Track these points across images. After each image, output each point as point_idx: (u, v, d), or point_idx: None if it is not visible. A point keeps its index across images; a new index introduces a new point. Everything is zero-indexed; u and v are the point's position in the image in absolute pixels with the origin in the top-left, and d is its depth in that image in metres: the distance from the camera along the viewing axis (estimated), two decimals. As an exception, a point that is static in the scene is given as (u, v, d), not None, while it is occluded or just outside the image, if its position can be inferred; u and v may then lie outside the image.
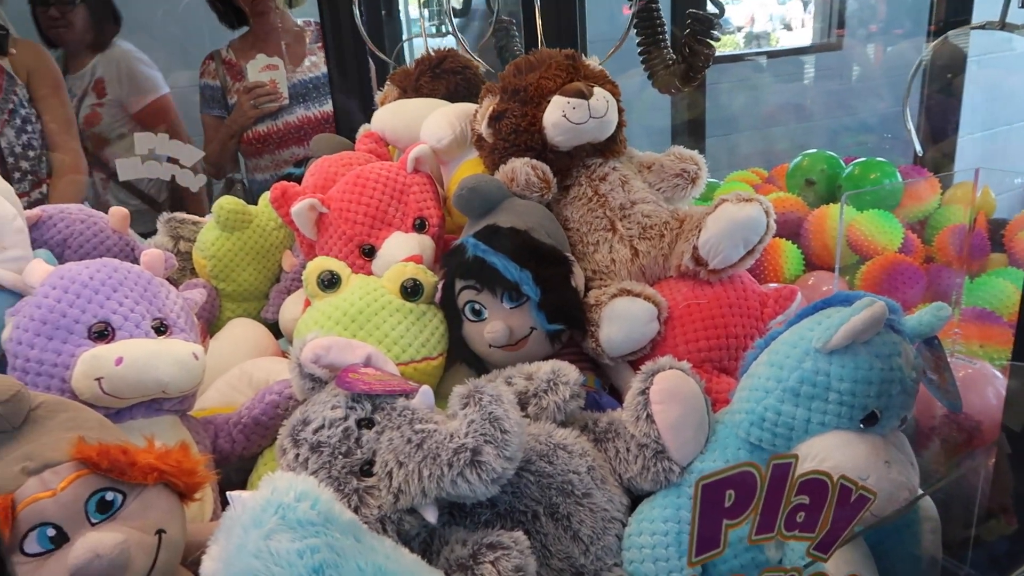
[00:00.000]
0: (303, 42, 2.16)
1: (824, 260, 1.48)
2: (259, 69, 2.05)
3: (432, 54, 1.30)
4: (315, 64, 2.14)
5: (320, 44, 2.16)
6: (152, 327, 0.79)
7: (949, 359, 1.14)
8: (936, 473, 0.96)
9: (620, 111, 0.99)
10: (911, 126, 1.05)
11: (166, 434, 0.79)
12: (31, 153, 1.94)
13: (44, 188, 1.98)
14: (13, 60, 1.90)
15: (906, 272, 1.33)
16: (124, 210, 1.08)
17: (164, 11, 2.59)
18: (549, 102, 0.96)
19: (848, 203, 1.40)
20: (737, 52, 4.13)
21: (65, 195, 1.97)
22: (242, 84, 2.07)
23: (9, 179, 1.90)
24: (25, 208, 1.92)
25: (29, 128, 1.93)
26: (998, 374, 1.10)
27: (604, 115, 0.95)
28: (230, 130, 2.09)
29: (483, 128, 1.00)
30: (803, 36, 4.99)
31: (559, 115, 0.94)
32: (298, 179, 1.25)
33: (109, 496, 0.59)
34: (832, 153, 1.69)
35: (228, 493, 0.58)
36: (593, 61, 1.03)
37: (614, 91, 0.99)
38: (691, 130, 1.83)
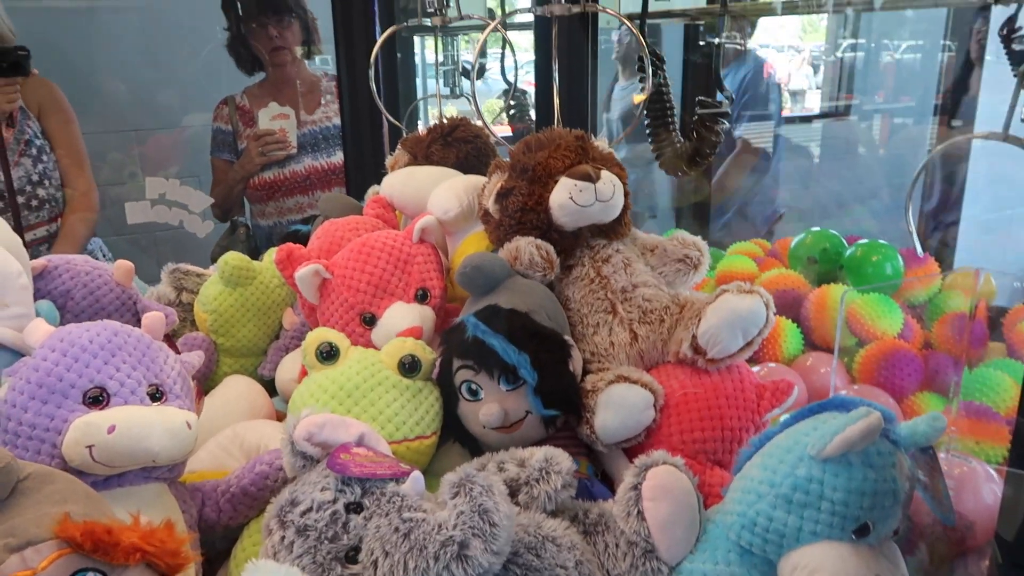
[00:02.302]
0: (317, 93, 2.20)
1: (824, 340, 1.48)
2: (271, 117, 2.09)
3: (445, 121, 1.32)
4: (326, 115, 2.18)
5: (334, 96, 2.20)
6: (148, 393, 0.79)
7: (945, 456, 1.14)
8: (929, 578, 0.95)
9: (626, 194, 1.00)
10: (912, 228, 1.06)
11: (153, 502, 0.78)
12: (47, 183, 1.96)
13: (59, 222, 2.00)
14: (25, 95, 1.93)
15: (904, 359, 1.33)
16: (128, 264, 1.09)
17: (188, 52, 2.65)
18: (556, 182, 0.97)
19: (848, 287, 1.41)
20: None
21: (74, 232, 1.99)
22: (252, 131, 2.10)
23: (27, 208, 1.93)
24: (42, 238, 1.95)
25: (44, 158, 1.96)
26: (994, 474, 1.09)
27: (610, 199, 0.96)
28: (237, 175, 2.12)
29: (490, 204, 1.01)
30: (811, 101, 5.06)
31: (565, 197, 0.95)
32: (304, 236, 1.26)
33: (90, 576, 0.58)
34: (835, 232, 1.71)
35: (210, 582, 0.57)
36: (602, 143, 1.04)
37: (621, 174, 1.00)
38: (696, 212, 1.85)
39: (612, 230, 1.01)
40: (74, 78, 2.20)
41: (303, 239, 1.21)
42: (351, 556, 0.68)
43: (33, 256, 1.03)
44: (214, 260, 2.05)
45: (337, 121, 2.19)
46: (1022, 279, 1.23)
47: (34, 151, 1.94)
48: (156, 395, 0.79)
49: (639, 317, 0.97)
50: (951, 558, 0.98)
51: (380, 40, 1.67)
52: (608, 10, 1.26)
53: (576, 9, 1.17)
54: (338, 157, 2.19)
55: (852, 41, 4.72)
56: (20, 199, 1.92)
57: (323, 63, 2.32)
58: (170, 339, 1.21)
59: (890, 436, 0.73)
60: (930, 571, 0.95)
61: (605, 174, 0.97)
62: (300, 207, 2.18)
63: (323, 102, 2.19)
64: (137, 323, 0.87)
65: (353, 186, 2.08)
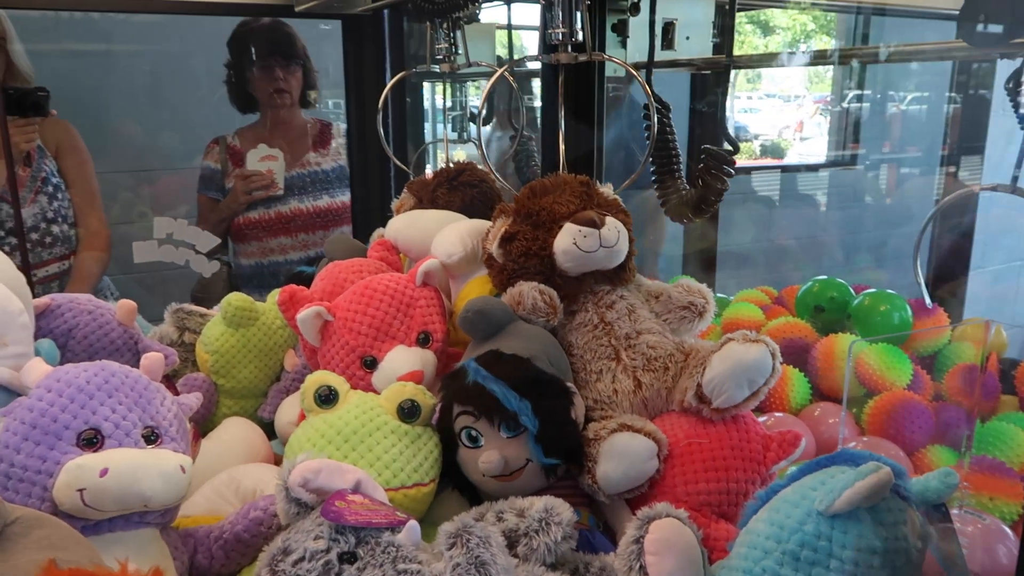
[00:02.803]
0: (306, 138, 2.24)
1: (832, 390, 1.46)
2: (258, 159, 2.12)
3: (451, 165, 1.32)
4: (314, 160, 2.21)
5: (324, 141, 2.24)
6: (142, 435, 0.78)
7: (957, 512, 1.11)
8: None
9: (631, 240, 1.00)
10: (921, 279, 1.05)
11: (145, 548, 0.76)
12: (61, 220, 1.98)
13: (71, 260, 2.01)
14: (43, 134, 1.96)
15: (915, 411, 1.31)
16: (131, 303, 1.08)
17: (200, 95, 2.69)
18: (561, 227, 0.97)
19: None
20: (752, 165, 4.22)
21: (86, 270, 2.00)
22: (240, 170, 2.13)
23: (40, 245, 1.94)
24: (54, 275, 1.96)
25: (60, 196, 1.98)
26: (1008, 531, 1.06)
27: (615, 245, 0.96)
28: (222, 212, 2.15)
29: (494, 248, 1.01)
30: (818, 150, 5.10)
31: (570, 242, 0.95)
32: (308, 278, 1.26)
33: (73, 627, 0.56)
34: (842, 281, 1.69)
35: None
36: (607, 189, 1.04)
37: (626, 221, 1.00)
38: (702, 259, 1.85)
39: (616, 276, 1.00)
40: (88, 118, 2.24)
41: (307, 280, 1.21)
42: (344, 608, 0.67)
43: (45, 292, 1.03)
44: (193, 298, 2.05)
45: (326, 166, 2.23)
46: (1034, 331, 1.21)
47: (50, 189, 1.96)
48: (151, 437, 0.78)
49: (643, 364, 0.95)
50: (966, 620, 0.95)
51: (389, 84, 1.69)
52: (614, 59, 1.28)
53: (583, 58, 1.18)
54: (324, 201, 2.22)
55: (858, 92, 4.77)
56: (34, 235, 1.94)
57: (311, 112, 2.35)
58: (169, 380, 1.20)
59: (901, 492, 0.71)
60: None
61: (610, 220, 0.96)
62: (283, 248, 2.19)
63: (312, 147, 2.22)
64: (138, 363, 0.86)
65: (359, 228, 2.10)
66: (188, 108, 2.72)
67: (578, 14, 1.15)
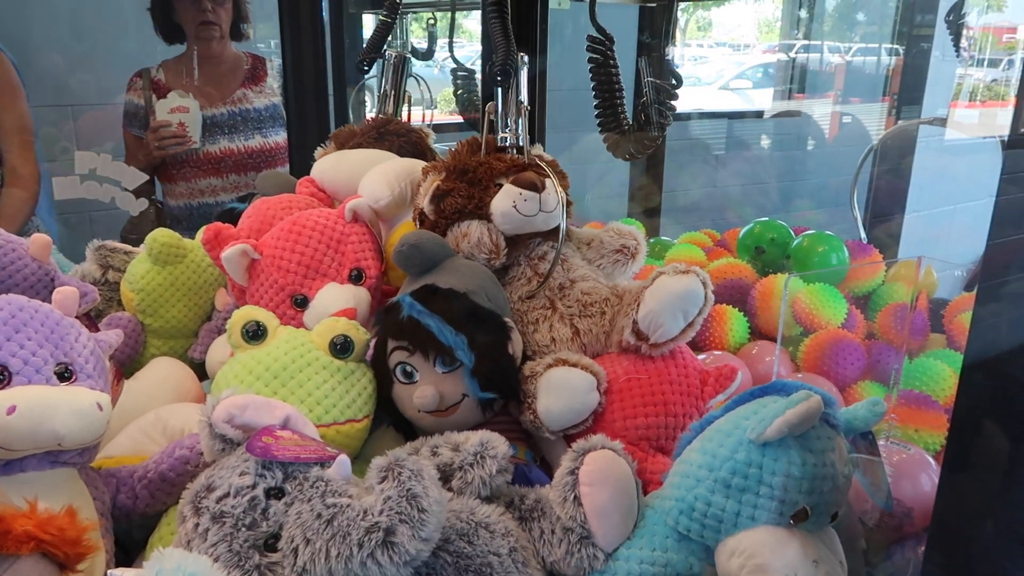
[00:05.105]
0: (238, 74, 2.12)
1: (770, 329, 1.48)
2: (168, 110, 2.00)
3: (384, 115, 1.27)
4: (246, 97, 2.11)
5: (257, 78, 2.13)
6: (55, 372, 0.73)
7: (884, 443, 1.14)
8: (867, 564, 0.95)
9: (569, 203, 0.97)
10: (858, 213, 1.06)
11: (60, 488, 0.73)
12: None
13: None
14: None
15: (847, 349, 1.34)
16: (45, 237, 1.02)
17: (123, 28, 2.54)
18: (498, 186, 0.93)
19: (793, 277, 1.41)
20: (696, 111, 4.22)
21: (10, 208, 1.89)
22: (152, 123, 2.01)
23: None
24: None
25: None
26: (931, 461, 1.10)
27: (554, 210, 0.93)
28: (140, 161, 2.02)
29: (425, 205, 0.97)
30: (763, 100, 5.14)
31: (509, 205, 0.92)
32: (240, 215, 1.21)
33: (-25, 568, 0.53)
34: (783, 223, 1.71)
35: (109, 571, 0.53)
36: (537, 149, 1.01)
37: (564, 183, 0.97)
38: (647, 197, 1.84)
39: (552, 235, 0.98)
40: (7, 50, 2.09)
41: (239, 218, 1.16)
42: (270, 544, 0.65)
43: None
44: (123, 238, 1.96)
45: (259, 104, 2.12)
46: (964, 267, 1.24)
47: None
48: (65, 374, 0.74)
49: (579, 311, 0.94)
50: (889, 544, 0.98)
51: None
52: (558, -11, 1.23)
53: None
54: (256, 141, 2.12)
55: (805, 42, 4.80)
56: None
57: (244, 46, 2.22)
58: (92, 320, 1.15)
59: (830, 420, 0.72)
60: (868, 557, 0.95)
61: (549, 183, 0.93)
62: (213, 189, 2.10)
63: (244, 83, 2.11)
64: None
65: (296, 170, 2.02)
66: (112, 38, 2.57)
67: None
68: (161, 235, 1.13)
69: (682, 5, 1.21)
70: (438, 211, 0.94)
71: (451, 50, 1.68)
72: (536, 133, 1.20)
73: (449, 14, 1.82)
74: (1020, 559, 0.71)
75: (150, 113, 2.04)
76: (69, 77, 2.57)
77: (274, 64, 2.18)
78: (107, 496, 0.78)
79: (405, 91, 1.33)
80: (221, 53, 2.08)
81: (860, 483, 0.79)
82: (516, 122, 0.97)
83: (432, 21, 1.94)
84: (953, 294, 1.50)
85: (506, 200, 0.92)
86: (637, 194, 1.94)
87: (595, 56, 1.16)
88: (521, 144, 0.97)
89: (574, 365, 0.86)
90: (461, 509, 0.72)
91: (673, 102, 1.11)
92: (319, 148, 1.28)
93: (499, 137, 0.98)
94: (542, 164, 0.95)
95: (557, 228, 0.94)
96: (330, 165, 1.17)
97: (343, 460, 0.68)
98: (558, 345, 0.93)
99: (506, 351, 0.85)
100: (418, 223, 0.99)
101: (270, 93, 2.16)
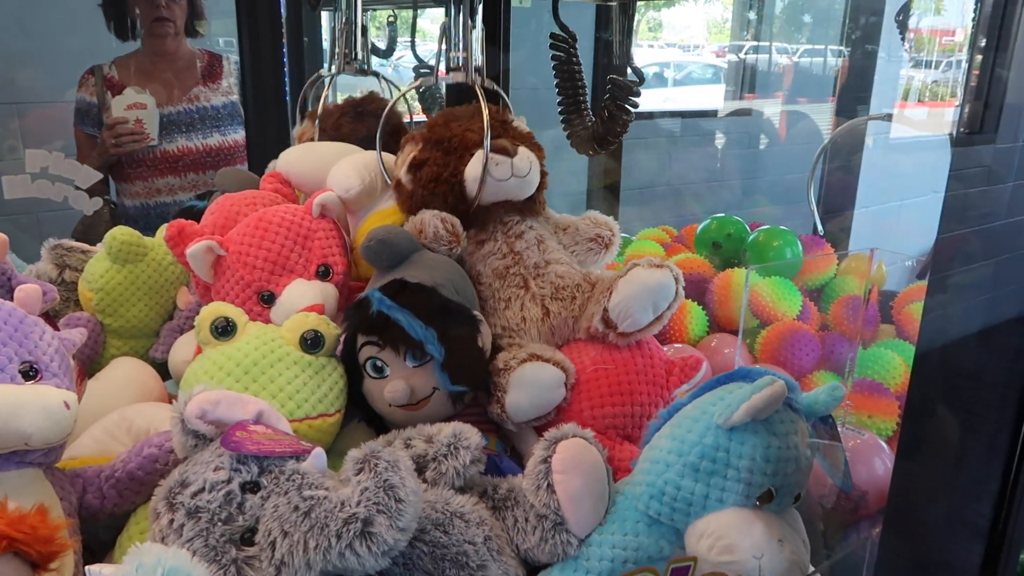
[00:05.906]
0: (193, 71, 2.08)
1: (728, 322, 1.52)
2: (125, 106, 1.95)
3: (357, 96, 1.27)
4: (203, 95, 2.08)
5: (214, 75, 2.10)
6: (20, 371, 0.72)
7: (840, 429, 1.18)
8: (825, 546, 0.98)
9: (543, 174, 0.99)
10: (814, 206, 1.09)
11: (26, 488, 0.71)
12: None
13: None
14: None
15: (803, 340, 1.38)
16: (2, 236, 1.00)
17: (73, 24, 2.47)
18: (472, 155, 0.95)
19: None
20: (651, 110, 4.28)
21: None
22: (106, 119, 1.97)
23: None
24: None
25: None
26: (884, 445, 1.14)
27: (526, 175, 0.95)
28: (95, 160, 1.98)
29: (402, 174, 0.98)
30: (715, 99, 5.23)
31: (480, 169, 0.93)
32: (199, 212, 1.19)
33: (-54, 568, 0.52)
34: (739, 218, 1.75)
35: (87, 568, 0.53)
36: (520, 122, 1.03)
37: (539, 154, 0.99)
38: (606, 193, 1.87)
39: (526, 207, 1.00)
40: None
41: (198, 215, 1.14)
42: (247, 538, 0.65)
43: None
44: (75, 238, 1.91)
45: (216, 102, 2.09)
46: (915, 259, 1.29)
47: None
48: (30, 373, 0.73)
49: (551, 293, 0.96)
50: (845, 525, 1.02)
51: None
52: (519, -12, 1.25)
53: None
54: (214, 139, 2.08)
55: (754, 43, 4.91)
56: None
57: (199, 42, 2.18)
58: (51, 319, 1.13)
59: (793, 405, 0.74)
60: (826, 539, 0.99)
61: (522, 150, 0.95)
62: (171, 188, 2.05)
63: (200, 80, 2.08)
64: (11, 299, 0.79)
65: (255, 168, 1.99)
66: (59, 34, 2.50)
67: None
68: (121, 233, 1.11)
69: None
70: (415, 180, 0.96)
71: (413, 48, 1.68)
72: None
73: (410, 12, 1.83)
74: (968, 541, 0.74)
75: (104, 110, 1.99)
76: (14, 74, 2.49)
77: (231, 61, 2.15)
78: (74, 496, 0.77)
79: (363, 25, 1.30)
80: (176, 50, 2.05)
81: (820, 465, 0.82)
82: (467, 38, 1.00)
83: (392, 19, 1.94)
84: (901, 286, 1.55)
85: (478, 165, 0.93)
86: (596, 190, 1.97)
87: (558, 54, 1.18)
88: (475, 64, 1.01)
89: (547, 360, 0.87)
90: (436, 500, 0.73)
91: (635, 99, 1.13)
92: (294, 128, 1.28)
93: (451, 57, 1.00)
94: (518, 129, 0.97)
95: (532, 202, 0.96)
96: (297, 157, 1.16)
97: (319, 453, 0.69)
98: (528, 324, 0.95)
99: (476, 344, 0.86)
100: (396, 195, 1.00)
101: (227, 91, 2.12)
